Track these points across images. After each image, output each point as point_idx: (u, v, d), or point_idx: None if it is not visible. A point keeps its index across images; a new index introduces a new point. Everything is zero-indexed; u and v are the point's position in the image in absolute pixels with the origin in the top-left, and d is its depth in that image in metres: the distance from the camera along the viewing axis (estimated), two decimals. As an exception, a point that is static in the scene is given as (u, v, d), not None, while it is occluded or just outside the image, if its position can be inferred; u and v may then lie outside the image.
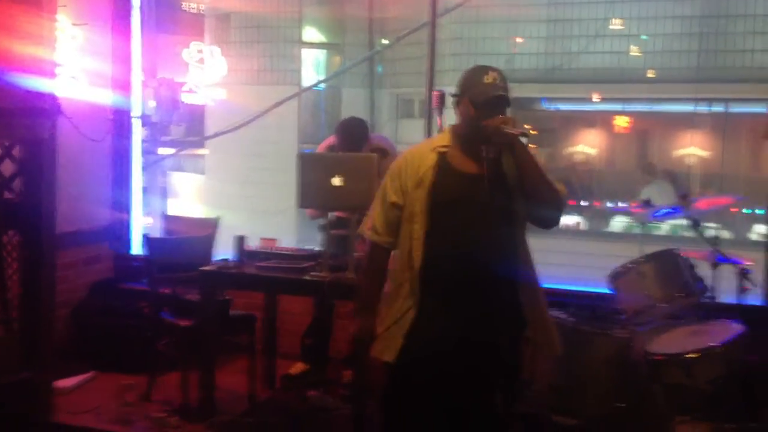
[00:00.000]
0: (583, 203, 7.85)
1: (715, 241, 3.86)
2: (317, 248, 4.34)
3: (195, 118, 7.67)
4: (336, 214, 4.14)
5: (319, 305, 4.66)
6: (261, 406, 4.22)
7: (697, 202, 4.02)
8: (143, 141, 5.79)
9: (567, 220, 7.64)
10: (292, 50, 7.89)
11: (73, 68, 5.04)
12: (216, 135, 6.98)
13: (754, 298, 3.97)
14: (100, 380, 4.61)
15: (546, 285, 4.48)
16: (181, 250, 4.49)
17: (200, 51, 6.83)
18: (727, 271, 3.80)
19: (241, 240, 4.15)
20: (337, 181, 3.81)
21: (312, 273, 3.91)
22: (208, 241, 4.59)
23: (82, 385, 4.53)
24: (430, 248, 2.49)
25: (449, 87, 2.75)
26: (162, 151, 7.39)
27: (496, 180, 2.45)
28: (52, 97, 3.95)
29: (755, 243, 6.20)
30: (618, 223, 7.51)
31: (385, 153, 4.24)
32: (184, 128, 8.10)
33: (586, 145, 8.36)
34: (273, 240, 4.34)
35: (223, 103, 6.98)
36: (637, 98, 7.69)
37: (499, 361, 2.48)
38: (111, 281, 5.32)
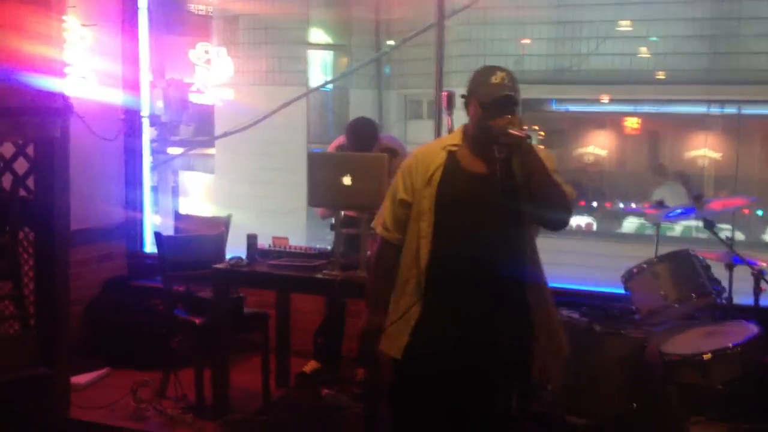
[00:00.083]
0: (594, 204, 7.84)
1: (730, 242, 3.86)
2: (327, 247, 4.35)
3: (204, 118, 7.68)
4: (346, 213, 4.15)
5: (331, 304, 4.68)
6: (274, 404, 4.23)
7: (711, 203, 4.00)
8: (153, 141, 5.82)
9: (578, 220, 7.63)
10: (299, 51, 7.89)
11: (83, 68, 5.07)
12: (225, 135, 6.99)
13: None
14: (114, 377, 4.63)
15: (559, 285, 4.51)
16: (193, 248, 4.52)
17: (207, 52, 6.83)
18: (743, 272, 3.79)
19: (253, 238, 4.16)
20: (347, 180, 3.82)
21: (324, 271, 3.93)
22: (219, 240, 4.61)
23: (96, 381, 4.56)
24: (437, 247, 2.51)
25: (457, 88, 2.76)
26: (171, 150, 7.41)
27: (505, 180, 2.44)
28: (63, 97, 3.98)
29: (769, 245, 6.21)
30: (630, 224, 7.49)
31: (394, 153, 4.25)
32: (193, 128, 8.11)
33: (597, 147, 8.33)
34: (285, 239, 4.36)
35: (232, 104, 6.98)
36: (647, 99, 7.67)
37: (504, 361, 2.47)
38: (124, 279, 5.35)
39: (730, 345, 3.37)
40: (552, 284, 4.50)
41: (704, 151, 7.60)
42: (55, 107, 3.88)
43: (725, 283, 3.78)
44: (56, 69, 3.92)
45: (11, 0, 3.80)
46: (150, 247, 5.53)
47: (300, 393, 4.41)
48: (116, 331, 4.87)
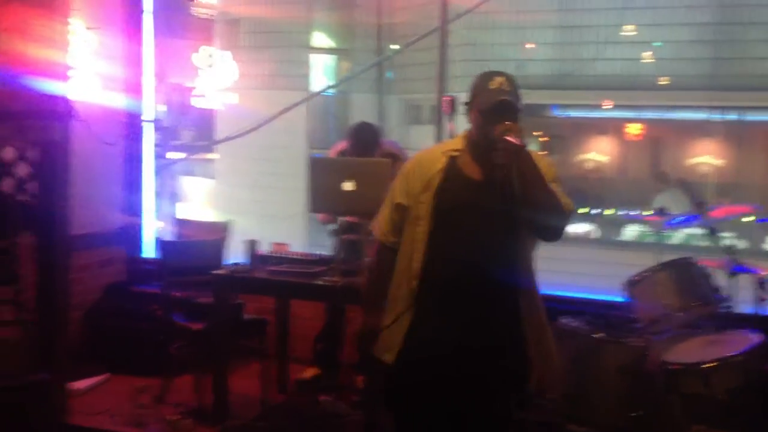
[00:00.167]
0: (594, 211, 7.82)
1: (731, 250, 3.84)
2: (327, 253, 4.35)
3: (205, 122, 7.68)
4: (347, 218, 4.14)
5: (331, 310, 4.66)
6: (273, 411, 4.22)
7: (714, 210, 3.99)
8: (156, 145, 5.81)
9: (578, 228, 7.61)
10: (301, 55, 7.88)
11: (86, 72, 5.06)
12: (226, 139, 6.98)
13: (772, 309, 3.93)
14: (114, 382, 4.63)
15: (559, 293, 4.50)
16: (194, 253, 4.52)
17: (210, 55, 6.83)
18: (744, 281, 3.77)
19: (252, 244, 4.16)
20: (348, 185, 3.81)
21: (324, 278, 3.92)
22: (219, 245, 4.61)
23: (95, 386, 4.56)
24: (431, 252, 2.50)
25: (459, 93, 2.74)
26: (172, 155, 7.40)
27: (504, 187, 2.42)
28: (65, 100, 3.97)
29: (771, 253, 6.17)
30: (630, 231, 7.47)
31: (396, 158, 4.24)
32: (194, 133, 8.11)
33: (598, 153, 8.31)
34: (284, 244, 4.35)
35: (233, 108, 6.97)
36: (649, 105, 7.65)
37: (497, 366, 2.47)
38: (124, 284, 5.34)
39: (732, 354, 3.36)
40: (552, 292, 4.51)
41: (707, 158, 7.58)
42: (58, 111, 3.88)
43: (727, 292, 3.77)
44: (60, 72, 3.92)
45: (15, 3, 3.80)
46: (149, 252, 5.52)
47: (299, 399, 4.40)
48: (116, 336, 4.87)
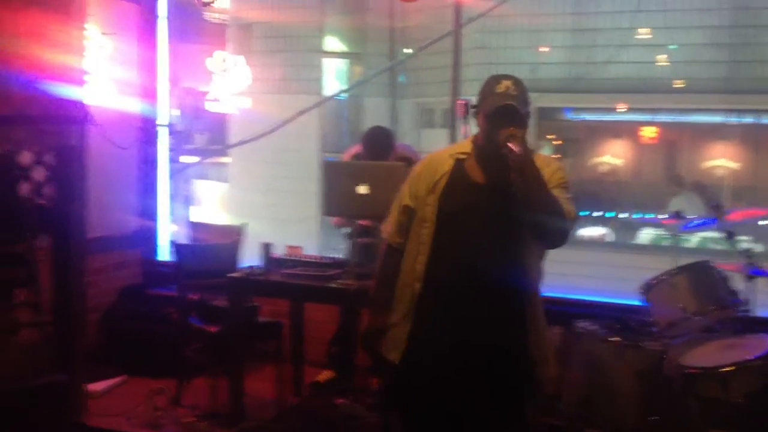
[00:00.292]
0: (609, 215, 7.79)
1: (748, 253, 3.82)
2: (340, 256, 4.35)
3: (218, 126, 7.72)
4: (361, 222, 4.14)
5: (345, 313, 4.66)
6: (289, 413, 4.23)
7: (731, 213, 3.97)
8: (170, 149, 5.83)
9: (593, 231, 7.59)
10: (314, 60, 7.91)
11: (101, 77, 5.09)
12: (239, 143, 7.02)
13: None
14: (130, 384, 4.64)
15: (576, 296, 4.48)
16: (208, 256, 4.53)
17: (224, 60, 6.87)
18: (762, 284, 3.74)
19: (267, 247, 4.17)
20: (362, 189, 3.82)
21: (338, 281, 3.92)
22: (234, 248, 4.62)
23: (112, 388, 4.58)
24: (435, 254, 2.52)
25: (472, 96, 2.74)
26: (186, 159, 7.43)
27: (507, 191, 2.41)
28: (82, 105, 4.00)
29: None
30: (645, 234, 7.44)
31: (410, 162, 4.23)
32: (208, 137, 8.15)
33: (612, 156, 8.28)
34: (298, 247, 4.36)
35: (246, 112, 7.02)
36: (664, 108, 7.63)
37: (498, 369, 2.47)
38: (139, 287, 5.36)
39: (750, 358, 3.33)
40: (568, 295, 4.50)
41: (722, 161, 7.53)
42: (74, 116, 3.91)
43: (744, 295, 3.74)
44: (76, 77, 3.95)
45: (33, 9, 3.84)
46: (165, 255, 5.54)
47: (314, 402, 4.40)
48: (132, 338, 4.88)
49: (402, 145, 4.84)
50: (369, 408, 4.14)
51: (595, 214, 7.66)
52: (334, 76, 8.67)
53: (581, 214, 7.52)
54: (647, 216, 7.61)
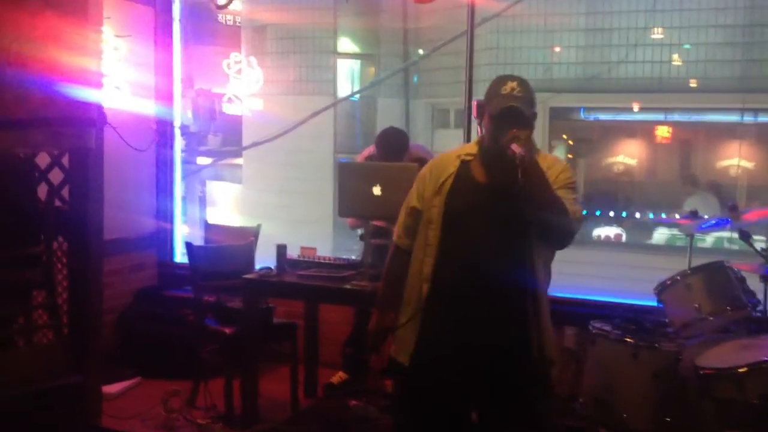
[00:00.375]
0: (623, 215, 7.75)
1: (764, 253, 3.79)
2: (354, 257, 4.36)
3: (232, 128, 7.74)
4: (376, 223, 4.15)
5: (360, 315, 4.67)
6: (303, 414, 4.25)
7: (747, 213, 3.94)
8: (182, 151, 5.88)
9: (608, 231, 7.56)
10: (327, 61, 7.92)
11: (117, 79, 5.13)
12: (253, 145, 7.03)
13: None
14: (145, 386, 4.68)
15: (591, 297, 4.47)
16: (223, 258, 4.55)
17: (238, 62, 6.89)
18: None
19: (282, 249, 4.18)
20: (377, 190, 3.83)
21: (352, 282, 3.94)
22: (249, 250, 4.64)
23: (127, 390, 4.61)
24: (442, 255, 2.53)
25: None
26: (200, 160, 7.46)
27: (512, 191, 2.40)
28: (99, 107, 4.02)
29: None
30: (660, 234, 7.40)
31: (424, 162, 4.22)
32: (221, 138, 8.18)
33: (627, 156, 8.24)
34: (313, 249, 4.37)
35: (260, 114, 7.03)
36: (678, 108, 7.58)
37: (504, 370, 2.49)
38: (155, 288, 5.40)
39: (766, 358, 3.30)
40: (583, 296, 4.48)
41: (737, 160, 7.46)
42: (91, 118, 3.92)
43: (761, 296, 3.72)
44: (93, 80, 3.96)
45: (49, 12, 3.86)
46: (180, 257, 5.57)
47: (328, 403, 4.41)
48: (147, 340, 4.92)
49: (416, 146, 4.84)
50: (382, 410, 4.15)
51: (609, 214, 7.63)
52: (347, 78, 8.69)
53: (596, 213, 7.57)
54: (662, 216, 7.57)
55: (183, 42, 5.78)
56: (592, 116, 8.10)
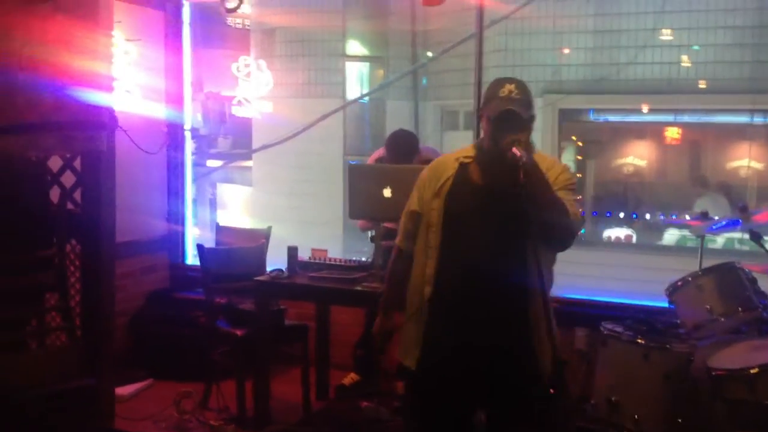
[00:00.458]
0: (633, 216, 7.74)
1: (776, 254, 3.78)
2: (364, 258, 4.37)
3: (241, 131, 7.78)
4: (386, 225, 4.16)
5: (370, 316, 4.67)
6: (315, 416, 4.26)
7: (757, 214, 3.93)
8: (192, 153, 5.91)
9: (618, 233, 7.55)
10: (336, 63, 7.95)
11: (127, 83, 5.16)
12: (263, 148, 7.06)
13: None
14: (157, 388, 4.70)
15: (602, 299, 4.47)
16: (235, 260, 4.56)
17: (247, 65, 6.93)
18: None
19: (294, 251, 4.20)
20: (387, 192, 3.84)
21: (363, 284, 3.95)
22: (260, 252, 4.65)
23: (139, 392, 4.64)
24: (443, 257, 2.54)
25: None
26: (210, 163, 7.50)
27: (511, 193, 2.40)
28: (110, 111, 4.03)
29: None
30: (670, 236, 7.38)
31: (434, 164, 4.25)
32: (231, 141, 8.22)
33: (636, 157, 8.22)
34: (324, 251, 4.38)
35: (269, 116, 7.06)
36: (688, 109, 7.56)
37: (507, 370, 2.49)
38: (167, 290, 5.42)
39: (779, 360, 3.30)
40: (594, 297, 4.48)
41: (747, 161, 7.43)
42: (102, 121, 3.94)
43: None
44: (104, 84, 3.98)
45: (60, 15, 3.88)
46: (192, 259, 5.60)
47: (340, 405, 4.43)
48: (159, 342, 4.94)
49: (426, 148, 4.85)
50: (394, 411, 4.16)
51: (619, 215, 7.62)
52: (356, 80, 8.71)
53: (606, 215, 7.55)
54: (672, 217, 7.55)
55: (193, 45, 5.81)
56: (601, 118, 8.08)
